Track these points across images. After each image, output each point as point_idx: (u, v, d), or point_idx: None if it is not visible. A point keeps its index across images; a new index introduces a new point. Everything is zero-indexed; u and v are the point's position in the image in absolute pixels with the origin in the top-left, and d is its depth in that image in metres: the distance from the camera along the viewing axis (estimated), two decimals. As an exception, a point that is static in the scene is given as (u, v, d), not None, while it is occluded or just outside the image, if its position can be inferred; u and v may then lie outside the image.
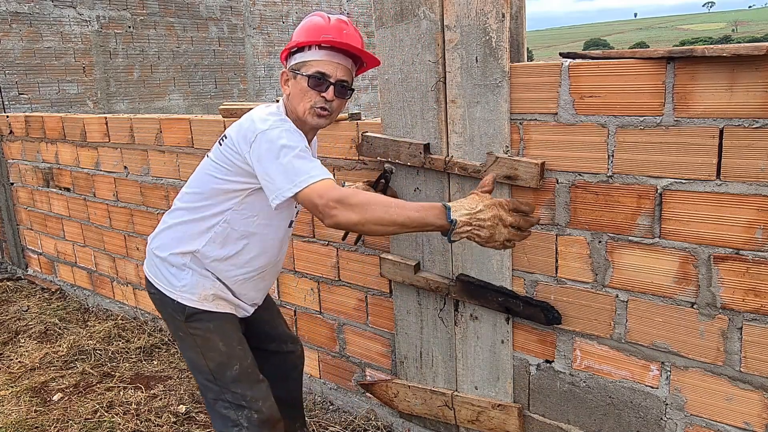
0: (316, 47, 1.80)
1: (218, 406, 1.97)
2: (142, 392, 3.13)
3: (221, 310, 1.97)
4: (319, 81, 1.79)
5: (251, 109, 2.88)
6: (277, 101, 1.97)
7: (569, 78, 1.88)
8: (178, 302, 1.92)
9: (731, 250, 1.72)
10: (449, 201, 2.04)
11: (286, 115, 1.88)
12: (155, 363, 3.46)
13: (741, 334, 1.75)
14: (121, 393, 3.15)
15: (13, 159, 4.72)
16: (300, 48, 1.82)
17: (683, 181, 1.75)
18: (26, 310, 4.34)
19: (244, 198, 1.86)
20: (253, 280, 2.01)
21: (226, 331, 1.98)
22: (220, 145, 1.87)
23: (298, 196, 1.66)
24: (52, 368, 3.46)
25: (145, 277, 2.04)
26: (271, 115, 1.82)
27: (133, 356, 3.54)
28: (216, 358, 1.95)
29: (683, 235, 1.79)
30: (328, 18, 1.84)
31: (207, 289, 1.94)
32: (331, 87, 1.80)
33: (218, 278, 1.95)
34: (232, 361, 1.96)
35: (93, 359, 3.53)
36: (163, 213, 3.51)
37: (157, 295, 1.98)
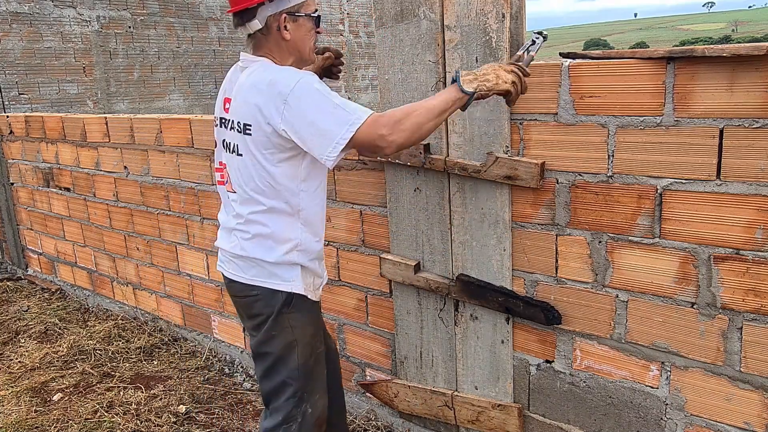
0: None
1: (288, 403, 1.91)
2: (142, 392, 3.13)
3: (314, 299, 1.97)
4: (319, 19, 1.84)
5: None
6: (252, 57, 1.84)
7: (569, 78, 1.88)
8: (288, 293, 1.87)
9: (731, 250, 1.72)
10: (449, 202, 2.24)
11: (281, 64, 1.80)
12: (155, 363, 3.46)
13: (741, 334, 1.75)
14: (121, 393, 3.15)
15: (13, 159, 4.72)
16: None
17: (683, 181, 1.75)
18: (26, 310, 4.34)
19: (301, 171, 1.79)
20: (320, 243, 2.00)
21: (316, 321, 2.00)
22: (249, 135, 1.74)
23: (354, 138, 1.61)
24: (52, 368, 3.46)
25: (236, 284, 1.92)
26: (277, 71, 1.73)
27: (133, 356, 3.54)
28: (306, 351, 1.91)
29: (683, 235, 1.79)
30: None
31: (308, 278, 1.92)
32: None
33: (313, 259, 1.93)
34: (314, 353, 1.95)
35: (93, 359, 3.53)
36: (163, 213, 3.52)
37: (260, 295, 1.87)
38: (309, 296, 1.92)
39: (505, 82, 1.68)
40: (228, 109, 1.83)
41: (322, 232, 1.97)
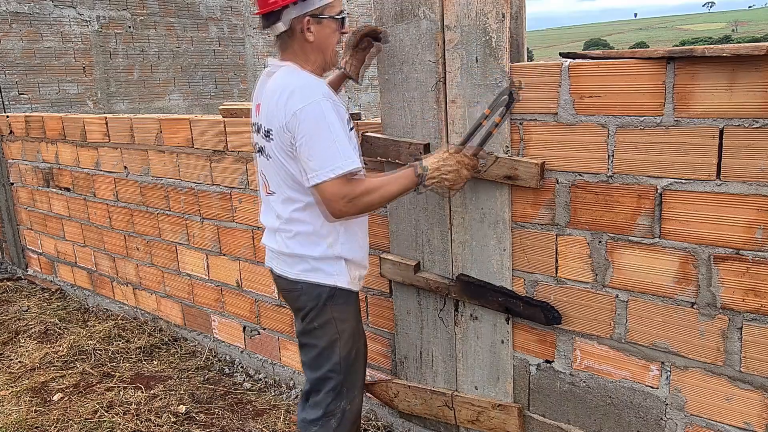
0: None
1: (328, 396, 1.99)
2: (142, 392, 3.13)
3: (356, 290, 2.02)
4: (344, 21, 1.86)
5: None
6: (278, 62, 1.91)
7: (569, 78, 1.88)
8: (331, 287, 1.93)
9: (731, 250, 1.72)
10: (449, 202, 2.25)
11: (305, 67, 1.85)
12: (155, 363, 3.46)
13: (741, 334, 1.75)
14: (121, 393, 3.15)
15: (13, 159, 4.72)
16: None
17: (683, 181, 1.75)
18: (26, 310, 4.34)
19: None
20: (365, 233, 2.05)
21: (357, 313, 2.06)
22: (272, 140, 1.83)
23: (322, 184, 1.72)
24: (52, 368, 3.46)
25: (283, 280, 1.99)
26: (297, 83, 1.77)
27: (133, 356, 3.54)
28: (348, 344, 1.98)
29: (683, 235, 1.79)
30: None
31: (353, 271, 1.99)
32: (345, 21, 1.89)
33: (357, 249, 1.98)
34: (355, 345, 2.02)
35: (93, 359, 3.53)
36: (163, 213, 3.51)
37: (305, 289, 1.94)
38: (353, 288, 1.99)
39: (459, 184, 1.86)
40: (259, 114, 1.91)
41: (365, 218, 2.02)
